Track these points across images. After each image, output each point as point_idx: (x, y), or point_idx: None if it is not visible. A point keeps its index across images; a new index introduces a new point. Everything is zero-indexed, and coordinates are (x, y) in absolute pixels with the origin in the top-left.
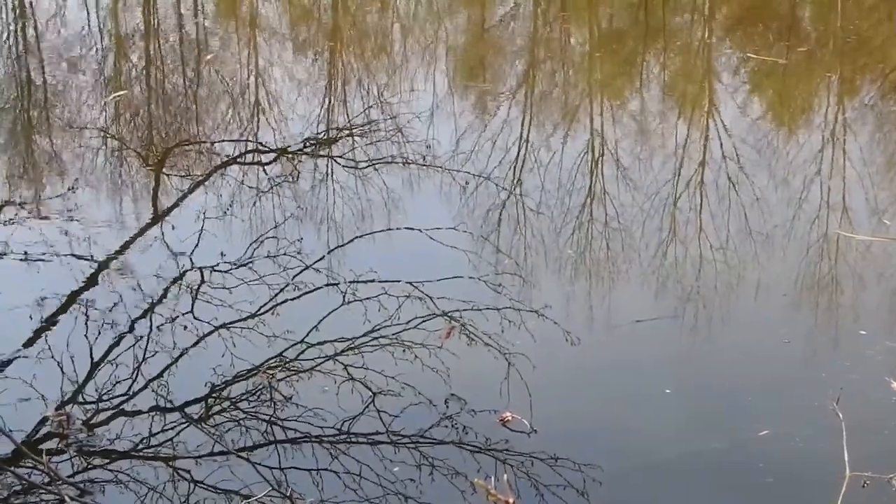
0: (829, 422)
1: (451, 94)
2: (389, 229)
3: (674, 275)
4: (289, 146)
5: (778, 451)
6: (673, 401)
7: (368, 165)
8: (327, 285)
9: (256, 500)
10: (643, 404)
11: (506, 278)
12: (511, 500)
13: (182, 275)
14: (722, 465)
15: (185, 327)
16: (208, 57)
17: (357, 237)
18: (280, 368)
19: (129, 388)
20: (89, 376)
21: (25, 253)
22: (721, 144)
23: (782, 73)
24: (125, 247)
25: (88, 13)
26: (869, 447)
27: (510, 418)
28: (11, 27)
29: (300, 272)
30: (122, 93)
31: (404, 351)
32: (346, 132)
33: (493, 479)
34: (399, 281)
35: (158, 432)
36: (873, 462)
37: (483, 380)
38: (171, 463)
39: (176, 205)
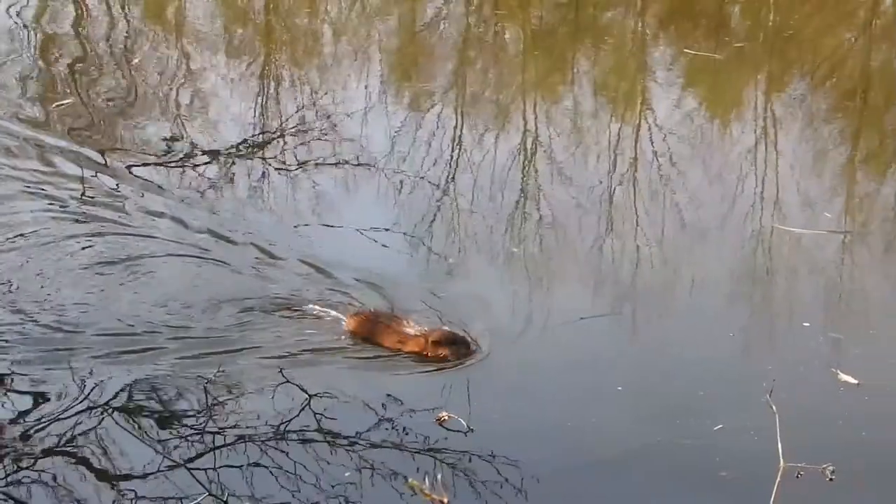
0: (783, 415)
1: (385, 95)
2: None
3: (614, 271)
4: (221, 149)
5: (732, 444)
6: (623, 397)
7: (300, 167)
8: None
9: (196, 502)
10: (591, 401)
11: (444, 276)
12: (445, 500)
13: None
14: (677, 460)
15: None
16: (135, 61)
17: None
18: (216, 372)
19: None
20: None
21: None
22: (654, 141)
23: (717, 68)
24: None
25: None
26: (818, 437)
27: (447, 418)
28: None
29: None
30: (66, 101)
31: (341, 355)
32: (279, 134)
33: (427, 478)
34: (334, 289)
35: (83, 433)
36: (825, 452)
37: (422, 379)
38: (105, 468)
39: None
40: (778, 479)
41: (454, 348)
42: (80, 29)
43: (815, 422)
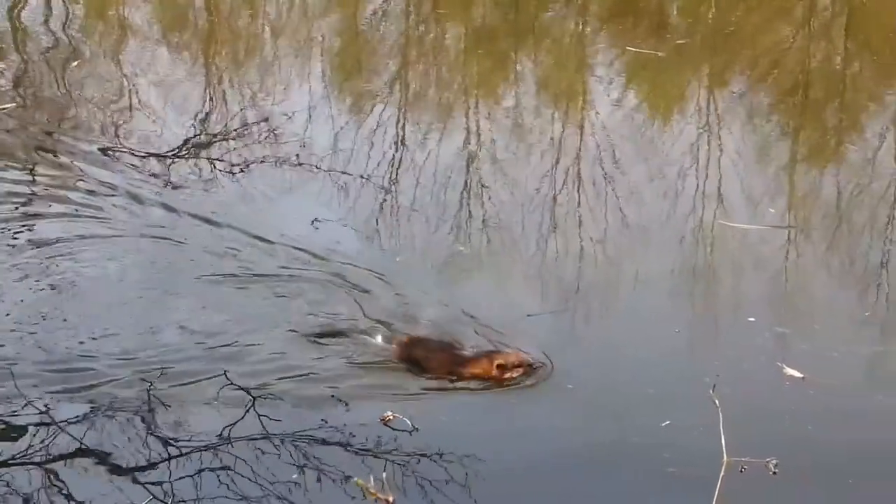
0: (726, 410)
1: (327, 95)
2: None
3: (559, 269)
4: (162, 151)
5: (680, 440)
6: (570, 394)
7: (242, 168)
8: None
9: None
10: (538, 399)
11: (391, 275)
12: (391, 499)
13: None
14: (624, 457)
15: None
16: (75, 63)
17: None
18: (160, 375)
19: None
20: None
21: None
22: (597, 139)
23: (659, 65)
24: None
25: None
26: (763, 431)
27: (391, 417)
28: None
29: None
30: (9, 105)
31: (283, 354)
32: (221, 136)
33: (373, 478)
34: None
35: (28, 442)
36: (770, 446)
37: (366, 380)
38: (50, 473)
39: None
40: (721, 473)
41: (521, 371)
42: (16, 28)
43: (760, 416)
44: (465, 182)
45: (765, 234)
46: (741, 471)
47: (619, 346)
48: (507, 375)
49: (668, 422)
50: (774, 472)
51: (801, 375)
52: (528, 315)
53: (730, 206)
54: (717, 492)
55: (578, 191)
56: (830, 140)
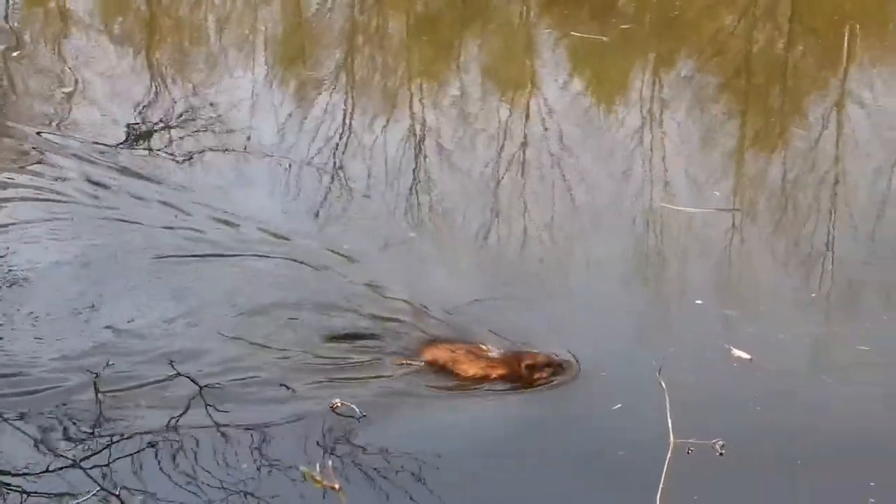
0: (677, 393)
1: (272, 83)
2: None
3: (507, 254)
4: (106, 141)
5: (630, 423)
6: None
7: (187, 157)
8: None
9: (85, 499)
10: (484, 384)
11: (340, 263)
12: (337, 486)
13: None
14: (575, 442)
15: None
16: (15, 54)
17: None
18: (106, 366)
19: None
20: None
21: None
22: (543, 124)
23: (604, 50)
24: None
25: None
26: (712, 413)
27: (340, 405)
28: None
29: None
30: None
31: (229, 341)
32: (165, 125)
33: (319, 465)
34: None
35: None
36: (719, 428)
37: (313, 367)
38: None
39: None
40: (668, 455)
41: (550, 371)
42: None
43: (709, 398)
44: (413, 168)
45: (710, 217)
46: (688, 452)
47: (567, 331)
48: (537, 376)
49: (618, 405)
50: (721, 454)
51: (748, 357)
52: (476, 300)
53: (675, 190)
54: (663, 474)
55: (525, 176)
56: (774, 124)
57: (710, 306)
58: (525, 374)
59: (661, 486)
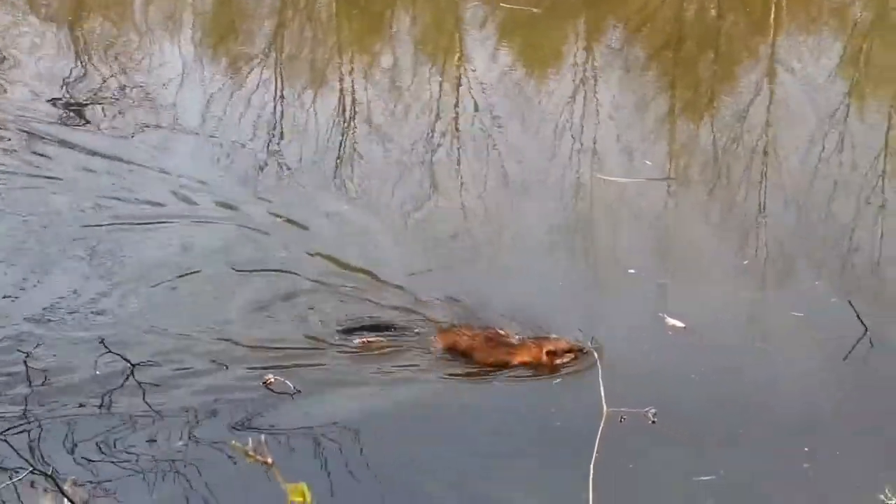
0: (611, 361)
1: (202, 59)
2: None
3: (440, 226)
4: (33, 118)
5: (567, 394)
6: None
7: (116, 135)
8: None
9: (17, 479)
10: (423, 359)
11: (273, 241)
12: (269, 461)
13: None
14: (513, 414)
15: None
16: None
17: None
18: (36, 347)
19: None
20: None
21: None
22: (474, 96)
23: (535, 21)
24: None
25: None
26: (648, 381)
27: (273, 380)
28: None
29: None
30: None
31: (161, 315)
32: (92, 103)
33: (251, 440)
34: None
35: None
36: (654, 395)
37: (250, 341)
38: None
39: None
40: (601, 424)
41: (571, 356)
42: None
43: (643, 366)
44: (344, 140)
45: (643, 186)
46: (620, 421)
47: (502, 302)
48: (559, 362)
49: (557, 378)
50: (654, 422)
51: (682, 325)
52: (411, 274)
53: (608, 160)
54: (596, 443)
55: (457, 147)
56: (705, 92)
57: (643, 275)
58: (547, 360)
59: (594, 454)
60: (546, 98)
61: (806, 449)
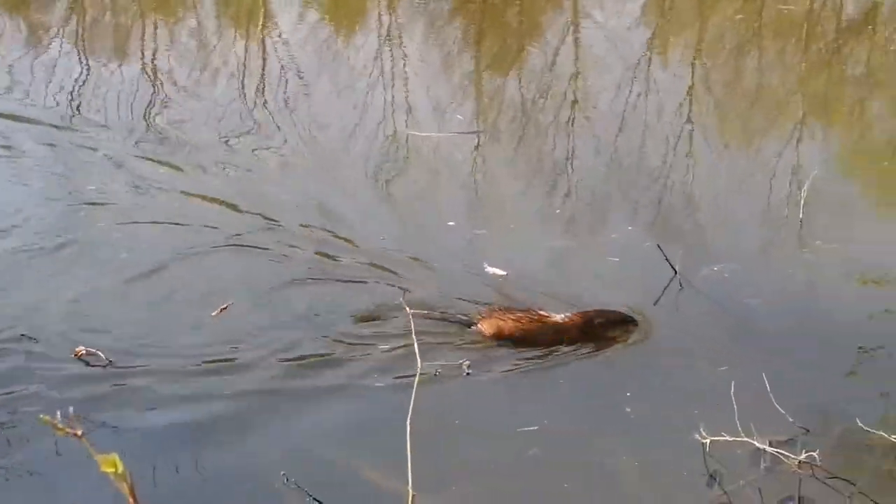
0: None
1: None
2: None
3: (249, 190)
4: None
5: (386, 353)
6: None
7: None
8: None
9: None
10: (211, 327)
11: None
12: (79, 433)
13: None
14: (330, 377)
15: None
16: None
17: None
18: None
19: None
20: None
21: None
22: (279, 57)
23: None
24: None
25: None
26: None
27: (84, 352)
28: None
29: None
30: None
31: None
32: None
33: (59, 413)
34: None
35: None
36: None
37: (56, 309)
38: None
39: None
40: (416, 381)
41: (621, 327)
42: None
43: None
44: (151, 102)
45: (455, 140)
46: (435, 374)
47: (318, 262)
48: (611, 333)
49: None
50: (468, 374)
51: (503, 273)
52: (213, 247)
53: (419, 116)
54: (413, 398)
55: (267, 107)
56: (512, 44)
57: (462, 227)
58: (599, 332)
59: (410, 409)
60: (354, 55)
61: (628, 394)
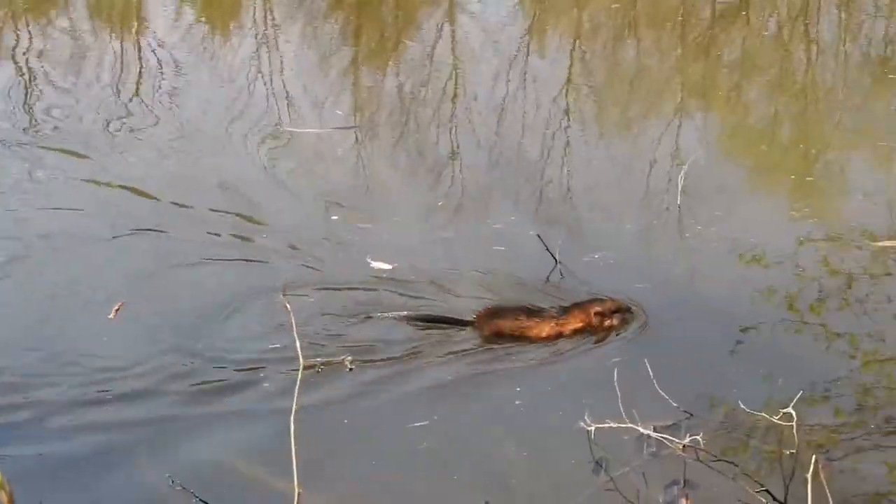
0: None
1: None
2: None
3: (127, 187)
4: None
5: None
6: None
7: None
8: None
9: None
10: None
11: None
12: None
13: None
14: (217, 374)
15: None
16: None
17: None
18: None
19: None
20: None
21: None
22: (157, 56)
23: None
24: None
25: None
26: (354, 329)
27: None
28: None
29: None
30: None
31: None
32: None
33: None
34: None
35: None
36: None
37: None
38: None
39: None
40: (299, 376)
41: (620, 316)
42: None
43: (349, 312)
44: (28, 97)
45: (335, 136)
46: (318, 371)
47: (193, 264)
48: (608, 323)
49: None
50: (351, 369)
51: (388, 266)
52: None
53: (299, 112)
54: (296, 395)
55: (144, 106)
56: (390, 38)
57: (346, 222)
58: (596, 322)
59: (294, 407)
60: (230, 55)
61: (518, 389)
